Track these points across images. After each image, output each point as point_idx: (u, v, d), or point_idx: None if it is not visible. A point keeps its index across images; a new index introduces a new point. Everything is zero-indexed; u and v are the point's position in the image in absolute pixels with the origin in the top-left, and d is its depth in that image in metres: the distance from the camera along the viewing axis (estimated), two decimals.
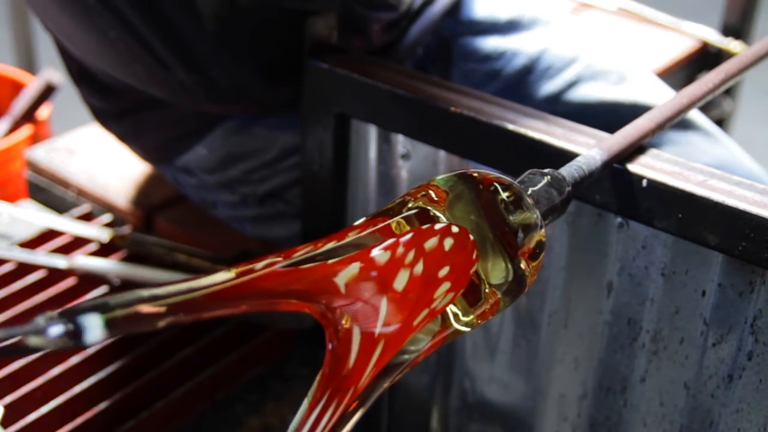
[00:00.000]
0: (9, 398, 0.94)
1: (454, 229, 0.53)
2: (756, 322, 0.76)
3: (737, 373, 0.78)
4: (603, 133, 0.81)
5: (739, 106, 1.89)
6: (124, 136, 1.17)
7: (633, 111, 1.18)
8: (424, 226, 0.53)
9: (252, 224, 1.16)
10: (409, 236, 0.51)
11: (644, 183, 0.75)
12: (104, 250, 1.15)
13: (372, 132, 0.97)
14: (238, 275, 0.47)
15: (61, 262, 1.09)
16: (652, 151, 0.79)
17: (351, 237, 0.52)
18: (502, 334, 0.96)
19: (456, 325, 0.54)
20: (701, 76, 1.78)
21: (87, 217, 1.25)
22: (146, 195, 1.27)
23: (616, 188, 0.78)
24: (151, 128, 1.14)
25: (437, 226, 0.53)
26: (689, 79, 1.75)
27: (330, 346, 0.50)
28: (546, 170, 0.63)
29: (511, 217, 0.56)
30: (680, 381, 0.83)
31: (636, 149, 0.78)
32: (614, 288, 0.85)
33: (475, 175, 0.57)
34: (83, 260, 1.09)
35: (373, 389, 0.51)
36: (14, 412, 0.92)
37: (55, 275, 1.10)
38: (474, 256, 0.54)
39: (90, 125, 1.43)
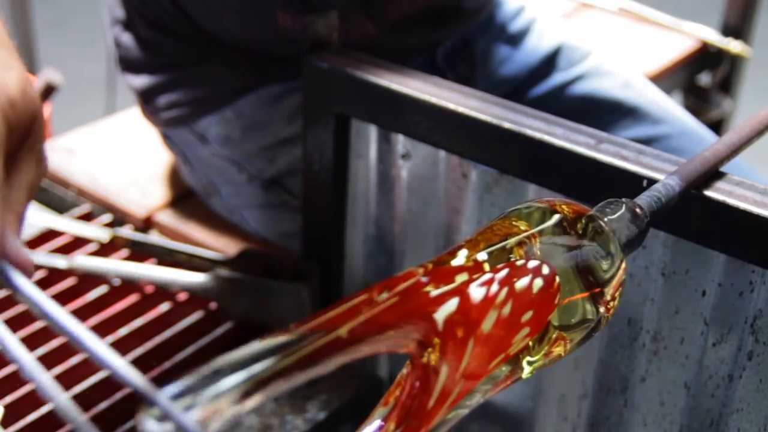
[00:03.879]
0: (9, 398, 0.94)
1: (545, 269, 0.51)
2: (756, 322, 0.76)
3: (737, 373, 0.78)
4: (602, 133, 0.81)
5: (739, 106, 1.89)
6: (150, 90, 1.18)
7: (634, 114, 1.20)
8: (519, 262, 0.50)
9: (254, 214, 1.17)
10: (504, 273, 0.49)
11: (644, 183, 0.75)
12: (104, 250, 1.15)
13: (372, 132, 0.97)
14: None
15: (61, 262, 1.09)
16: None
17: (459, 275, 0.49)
18: None
19: (525, 371, 0.52)
20: (701, 76, 1.79)
21: (87, 217, 1.25)
22: (146, 195, 1.27)
23: (618, 189, 0.78)
24: (184, 84, 1.15)
25: (530, 265, 0.50)
26: (689, 79, 1.76)
27: (416, 380, 0.48)
28: (623, 200, 0.61)
29: (595, 256, 0.54)
30: (680, 381, 0.83)
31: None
32: None
33: (560, 208, 0.55)
34: (83, 260, 1.09)
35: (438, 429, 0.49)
36: (14, 412, 0.92)
37: (55, 275, 1.10)
38: (556, 302, 0.51)
39: (90, 125, 1.43)
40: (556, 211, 0.55)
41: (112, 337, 1.02)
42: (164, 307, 1.07)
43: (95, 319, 1.04)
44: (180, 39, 1.13)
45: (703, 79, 1.78)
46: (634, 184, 0.76)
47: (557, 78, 1.24)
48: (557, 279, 0.51)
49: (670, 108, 1.24)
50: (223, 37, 1.12)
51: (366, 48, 0.97)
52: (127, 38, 1.17)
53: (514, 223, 0.54)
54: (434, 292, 0.47)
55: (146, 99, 1.19)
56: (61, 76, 1.83)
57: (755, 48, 1.80)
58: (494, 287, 0.48)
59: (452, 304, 0.47)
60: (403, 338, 0.47)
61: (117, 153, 1.36)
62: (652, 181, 0.75)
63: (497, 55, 1.24)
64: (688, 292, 0.80)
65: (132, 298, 1.08)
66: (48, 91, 1.81)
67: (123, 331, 1.03)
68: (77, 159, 1.33)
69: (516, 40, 1.26)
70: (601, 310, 0.54)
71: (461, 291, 0.47)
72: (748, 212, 0.71)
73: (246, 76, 1.14)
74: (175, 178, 1.29)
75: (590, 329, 0.54)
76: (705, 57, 1.74)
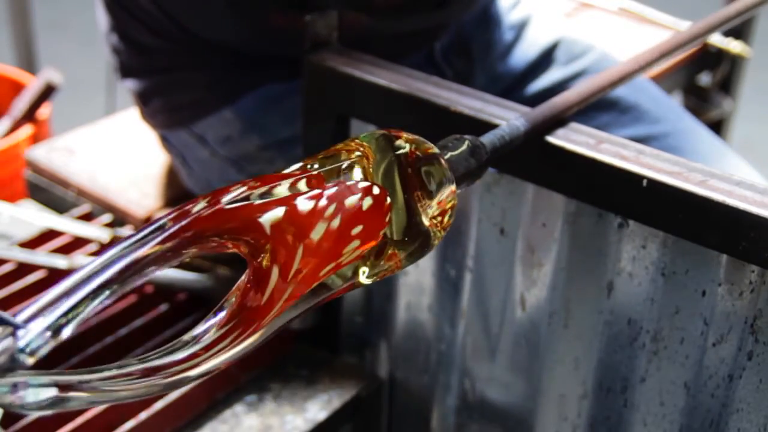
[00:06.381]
0: None
1: (375, 190, 0.56)
2: (756, 322, 0.76)
3: (737, 373, 0.78)
4: (602, 133, 0.81)
5: (739, 106, 1.89)
6: (148, 93, 1.18)
7: (633, 112, 1.20)
8: (349, 183, 0.56)
9: None
10: (333, 190, 0.54)
11: (644, 183, 0.75)
12: (104, 250, 1.14)
13: None
14: (175, 220, 0.49)
15: (61, 262, 1.09)
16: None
17: (284, 183, 0.55)
18: (502, 334, 0.96)
19: (362, 279, 0.57)
20: (701, 76, 1.79)
21: (87, 217, 1.25)
22: (146, 195, 1.27)
23: (616, 188, 0.78)
24: (182, 86, 1.15)
25: (360, 185, 0.56)
26: (689, 79, 1.76)
27: (247, 280, 0.52)
28: (467, 136, 0.67)
29: (426, 180, 0.60)
30: (680, 381, 0.83)
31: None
32: (614, 288, 0.85)
33: (397, 137, 0.60)
34: (83, 260, 1.09)
35: (274, 325, 0.53)
36: (14, 411, 0.92)
37: (55, 275, 1.10)
38: (387, 219, 0.57)
39: (90, 125, 1.43)
40: (395, 141, 0.60)
41: (112, 337, 1.02)
42: (164, 307, 1.07)
43: (95, 319, 1.04)
44: (175, 44, 1.13)
45: (703, 79, 1.78)
46: (634, 184, 0.76)
47: (556, 73, 1.24)
48: (388, 199, 0.57)
49: (669, 106, 1.24)
50: (216, 40, 1.12)
51: (362, 37, 0.96)
52: (123, 44, 1.17)
53: (357, 144, 0.59)
54: (258, 201, 0.52)
55: (144, 102, 1.19)
56: (61, 76, 1.83)
57: (755, 48, 1.80)
58: (323, 201, 0.53)
59: (278, 211, 0.52)
60: (230, 241, 0.51)
61: (117, 153, 1.36)
62: (652, 181, 0.75)
63: (496, 49, 1.24)
64: (688, 292, 0.80)
65: (132, 298, 1.08)
66: (48, 91, 1.81)
67: (123, 331, 1.03)
68: (77, 159, 1.33)
69: (514, 31, 1.25)
70: (426, 222, 0.59)
71: (288, 201, 0.52)
72: (668, 185, 0.74)
73: (243, 77, 1.13)
74: (175, 178, 1.29)
75: (421, 244, 0.59)
76: (705, 57, 1.74)
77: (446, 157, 0.63)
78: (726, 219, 0.72)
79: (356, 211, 0.54)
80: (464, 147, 0.66)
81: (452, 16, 1.17)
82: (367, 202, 0.55)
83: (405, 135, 0.61)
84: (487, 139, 0.69)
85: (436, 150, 0.61)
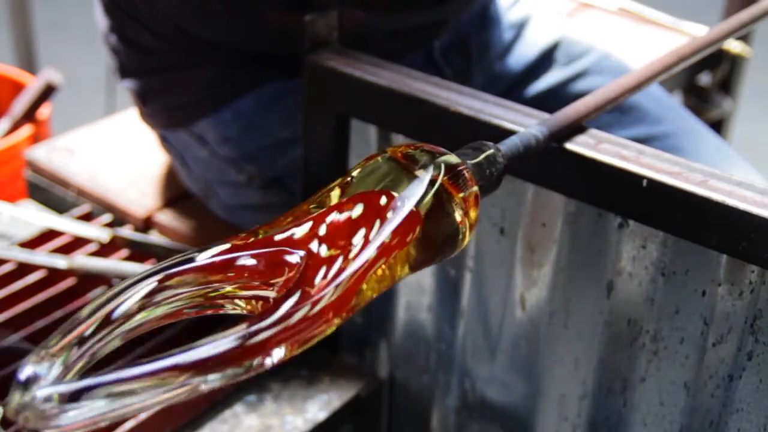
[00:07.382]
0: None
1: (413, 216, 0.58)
2: (756, 322, 0.76)
3: (737, 373, 0.78)
4: (602, 133, 0.81)
5: (739, 106, 1.89)
6: (148, 93, 1.18)
7: (634, 113, 1.20)
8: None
9: (253, 214, 1.17)
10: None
11: (644, 183, 0.75)
12: (104, 250, 1.14)
13: (372, 132, 0.97)
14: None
15: (61, 262, 1.09)
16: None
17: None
18: (502, 334, 0.96)
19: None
20: (701, 76, 1.79)
21: (87, 217, 1.25)
22: (146, 195, 1.27)
23: (616, 188, 0.78)
24: (182, 87, 1.15)
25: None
26: (689, 79, 1.76)
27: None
28: (487, 144, 0.66)
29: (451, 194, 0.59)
30: (680, 381, 0.83)
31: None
32: (614, 288, 0.85)
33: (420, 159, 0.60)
34: (83, 260, 1.09)
35: None
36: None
37: (55, 275, 1.10)
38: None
39: (90, 125, 1.43)
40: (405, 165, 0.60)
41: None
42: None
43: None
44: (173, 44, 1.13)
45: (703, 79, 1.78)
46: (634, 184, 0.76)
47: (556, 74, 1.23)
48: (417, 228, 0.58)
49: (671, 106, 1.24)
50: (214, 40, 1.12)
51: (360, 34, 0.96)
52: (122, 44, 1.17)
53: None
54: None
55: (144, 102, 1.19)
56: (61, 76, 1.83)
57: (755, 48, 1.80)
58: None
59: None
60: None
61: (117, 153, 1.36)
62: (652, 181, 0.75)
63: (495, 48, 1.24)
64: (688, 292, 0.80)
65: None
66: (48, 91, 1.81)
67: None
68: (77, 159, 1.34)
69: (514, 30, 1.25)
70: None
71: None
72: (668, 185, 0.74)
73: (242, 77, 1.13)
74: (175, 178, 1.30)
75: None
76: (705, 57, 1.74)
77: (468, 165, 0.62)
78: (726, 219, 0.72)
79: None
80: (485, 156, 0.64)
81: (451, 13, 1.17)
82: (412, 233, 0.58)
83: (435, 151, 0.60)
84: (506, 146, 0.68)
85: (461, 163, 0.61)
